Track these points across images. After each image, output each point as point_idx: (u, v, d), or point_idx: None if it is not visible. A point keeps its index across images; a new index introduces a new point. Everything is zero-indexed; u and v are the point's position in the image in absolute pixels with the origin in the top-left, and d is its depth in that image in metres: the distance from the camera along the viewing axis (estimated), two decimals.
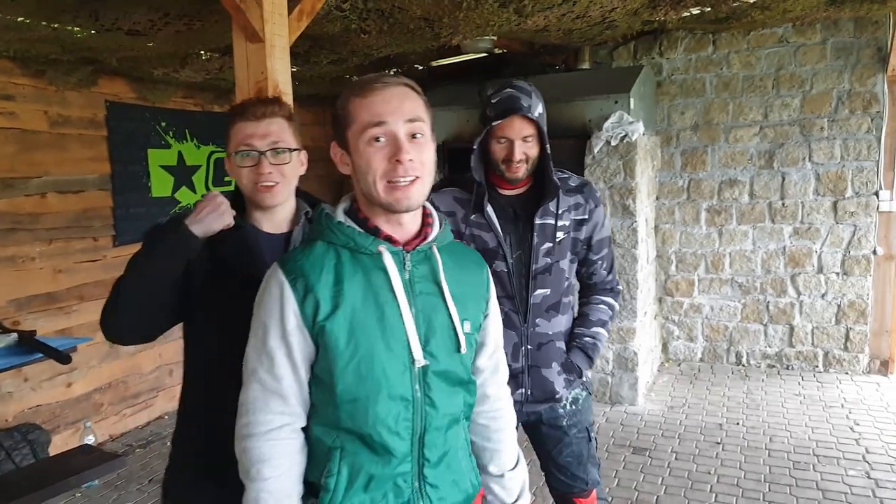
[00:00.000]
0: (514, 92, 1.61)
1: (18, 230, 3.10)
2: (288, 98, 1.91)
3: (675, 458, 3.17)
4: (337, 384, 1.01)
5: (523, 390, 1.72)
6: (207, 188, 4.08)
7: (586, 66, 4.26)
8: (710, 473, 3.00)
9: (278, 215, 1.34)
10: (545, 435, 1.80)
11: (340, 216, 1.07)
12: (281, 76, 1.89)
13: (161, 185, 3.81)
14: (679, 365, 4.53)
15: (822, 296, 4.22)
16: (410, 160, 1.00)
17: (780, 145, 4.21)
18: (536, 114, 1.61)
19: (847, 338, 4.18)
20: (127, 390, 3.69)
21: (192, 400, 1.33)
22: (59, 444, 3.22)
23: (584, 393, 1.82)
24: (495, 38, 3.48)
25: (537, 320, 1.71)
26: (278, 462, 1.02)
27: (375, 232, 1.05)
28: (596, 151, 3.74)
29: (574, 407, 1.79)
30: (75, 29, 2.51)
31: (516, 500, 1.24)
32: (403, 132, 1.01)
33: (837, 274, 4.17)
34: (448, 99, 4.12)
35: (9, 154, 3.04)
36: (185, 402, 1.37)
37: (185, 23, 2.49)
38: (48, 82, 3.19)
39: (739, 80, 4.25)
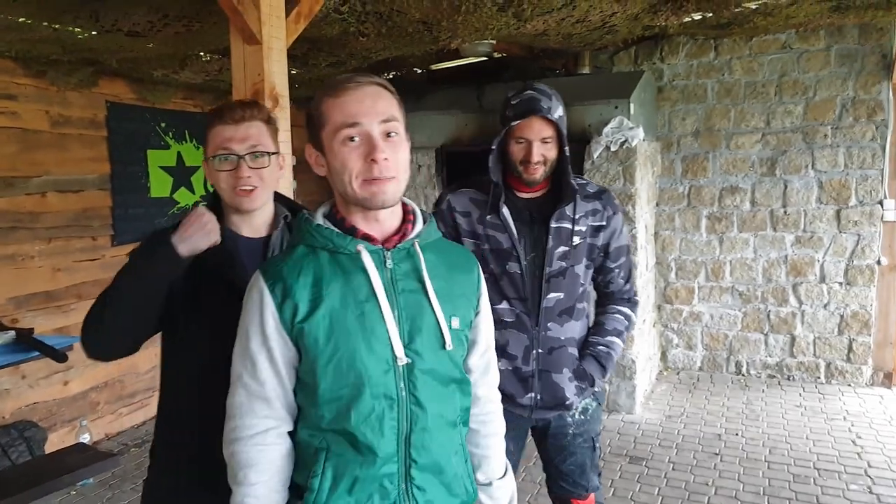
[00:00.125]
0: (534, 94, 1.60)
1: (18, 229, 3.13)
2: (285, 100, 1.91)
3: (673, 469, 3.13)
4: (319, 384, 1.01)
5: (533, 394, 1.70)
6: (206, 189, 4.10)
7: (586, 70, 4.24)
8: (707, 485, 2.96)
9: (257, 219, 1.34)
10: (551, 443, 1.78)
11: (320, 219, 1.07)
12: (278, 78, 1.89)
13: (160, 185, 3.83)
14: (678, 374, 4.48)
15: (825, 306, 4.17)
16: (386, 159, 1.00)
17: (782, 152, 4.17)
18: (556, 116, 1.59)
19: (850, 349, 4.13)
20: (123, 389, 3.71)
21: (184, 407, 1.33)
22: (56, 441, 3.24)
23: (595, 403, 1.80)
24: (494, 41, 3.48)
25: (549, 324, 1.69)
26: (265, 467, 1.03)
27: (353, 231, 1.05)
28: (595, 157, 3.72)
29: (583, 417, 1.78)
30: (76, 30, 2.54)
31: None
32: (378, 132, 1.00)
33: (840, 284, 4.12)
34: (447, 103, 4.12)
35: (10, 153, 3.07)
36: (173, 410, 1.36)
37: (184, 24, 2.50)
38: (49, 83, 3.22)
39: (741, 87, 4.21)
